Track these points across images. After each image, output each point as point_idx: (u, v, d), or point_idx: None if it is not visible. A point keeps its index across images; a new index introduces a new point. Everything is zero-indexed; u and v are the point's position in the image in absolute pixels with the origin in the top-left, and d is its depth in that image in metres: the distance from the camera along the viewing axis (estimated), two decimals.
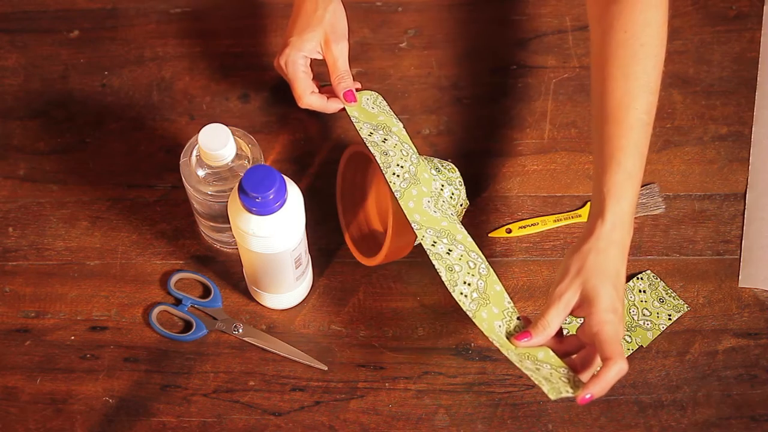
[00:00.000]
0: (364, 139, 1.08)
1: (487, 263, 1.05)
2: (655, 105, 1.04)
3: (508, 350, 1.00)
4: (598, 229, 1.01)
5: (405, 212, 1.05)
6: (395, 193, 1.05)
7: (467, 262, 1.04)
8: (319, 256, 1.18)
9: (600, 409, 1.11)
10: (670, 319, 1.14)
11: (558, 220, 1.19)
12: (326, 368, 1.13)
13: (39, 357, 1.13)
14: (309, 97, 1.13)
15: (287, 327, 1.15)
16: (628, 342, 1.13)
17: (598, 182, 1.02)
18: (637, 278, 1.16)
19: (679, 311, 1.15)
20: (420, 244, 1.11)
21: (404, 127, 1.11)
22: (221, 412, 1.11)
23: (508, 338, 1.02)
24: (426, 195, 1.07)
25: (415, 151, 1.08)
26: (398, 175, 1.06)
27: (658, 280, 1.16)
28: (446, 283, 1.03)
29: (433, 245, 1.04)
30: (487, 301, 1.03)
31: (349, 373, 1.13)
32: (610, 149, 1.02)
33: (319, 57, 1.13)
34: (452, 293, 1.03)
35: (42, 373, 1.13)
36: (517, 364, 0.98)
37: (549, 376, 0.98)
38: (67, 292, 1.16)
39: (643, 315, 1.14)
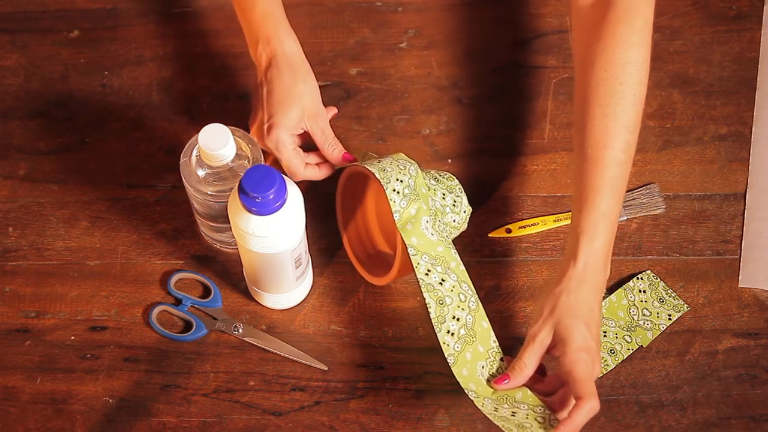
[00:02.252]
0: (361, 164, 1.09)
1: (476, 297, 1.06)
2: (635, 143, 1.05)
3: (484, 398, 1.02)
4: (570, 269, 1.02)
5: (402, 235, 1.05)
6: (395, 214, 1.05)
7: (458, 294, 1.05)
8: (319, 256, 1.18)
9: (600, 409, 1.11)
10: (670, 319, 1.15)
11: (558, 220, 1.19)
12: (326, 368, 1.13)
13: (39, 357, 1.13)
14: (304, 172, 1.13)
15: (287, 327, 1.15)
16: (628, 342, 1.13)
17: (574, 222, 1.04)
18: (637, 278, 1.16)
19: (679, 311, 1.15)
20: None
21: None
22: (221, 412, 1.11)
23: (488, 381, 1.03)
24: (425, 213, 1.06)
25: (413, 164, 1.08)
26: (398, 192, 1.05)
27: (658, 280, 1.16)
28: (434, 321, 1.03)
29: (426, 274, 1.04)
30: (474, 339, 1.04)
31: (349, 373, 1.13)
32: (585, 189, 1.03)
33: (302, 131, 1.13)
34: (438, 333, 1.03)
35: (42, 373, 1.13)
36: (489, 416, 0.99)
37: (524, 419, 0.99)
38: (67, 292, 1.16)
39: (643, 315, 1.14)
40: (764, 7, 1.29)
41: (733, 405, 1.11)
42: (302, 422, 1.11)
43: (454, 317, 1.04)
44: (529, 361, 1.02)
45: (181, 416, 1.11)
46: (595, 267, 1.02)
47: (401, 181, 1.06)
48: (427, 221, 1.06)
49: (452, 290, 1.05)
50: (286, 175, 1.09)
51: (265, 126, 1.11)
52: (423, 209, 1.06)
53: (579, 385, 0.98)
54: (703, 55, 1.27)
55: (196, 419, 1.11)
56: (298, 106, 1.11)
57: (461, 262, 1.06)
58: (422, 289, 1.04)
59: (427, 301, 1.03)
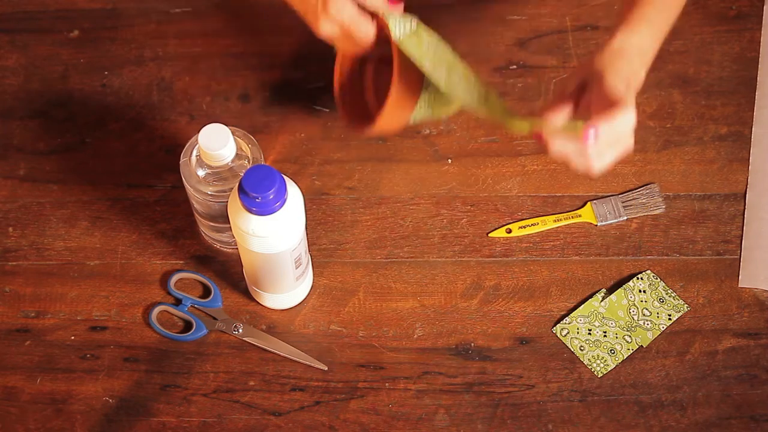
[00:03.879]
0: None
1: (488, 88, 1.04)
2: None
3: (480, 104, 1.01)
4: (605, 48, 0.97)
5: (399, 45, 1.02)
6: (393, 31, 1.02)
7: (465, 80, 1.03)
8: (319, 256, 1.18)
9: (600, 409, 1.11)
10: (670, 319, 1.15)
11: (558, 220, 1.19)
12: (326, 368, 1.13)
13: (39, 357, 1.13)
14: (369, 33, 1.05)
15: (287, 327, 1.15)
16: (628, 342, 1.13)
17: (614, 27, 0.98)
18: (637, 278, 1.16)
19: (679, 311, 1.15)
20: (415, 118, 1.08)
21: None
22: (221, 412, 1.11)
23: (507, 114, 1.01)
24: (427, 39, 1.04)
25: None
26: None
27: (658, 280, 1.16)
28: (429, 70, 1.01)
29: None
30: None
31: (349, 373, 1.13)
32: (634, 4, 0.99)
33: None
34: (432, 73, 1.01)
35: (42, 373, 1.13)
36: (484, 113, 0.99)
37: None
38: (67, 292, 1.16)
39: (643, 315, 1.14)
40: (764, 7, 1.29)
41: (733, 405, 1.11)
42: (302, 422, 1.11)
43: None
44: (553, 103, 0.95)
45: (181, 416, 1.11)
46: (631, 53, 0.96)
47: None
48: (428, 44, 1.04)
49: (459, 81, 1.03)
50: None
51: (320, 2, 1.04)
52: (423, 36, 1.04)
53: (619, 100, 0.91)
54: (703, 55, 1.27)
55: (196, 419, 1.11)
56: None
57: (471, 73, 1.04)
58: (427, 70, 1.01)
59: (427, 69, 1.01)
